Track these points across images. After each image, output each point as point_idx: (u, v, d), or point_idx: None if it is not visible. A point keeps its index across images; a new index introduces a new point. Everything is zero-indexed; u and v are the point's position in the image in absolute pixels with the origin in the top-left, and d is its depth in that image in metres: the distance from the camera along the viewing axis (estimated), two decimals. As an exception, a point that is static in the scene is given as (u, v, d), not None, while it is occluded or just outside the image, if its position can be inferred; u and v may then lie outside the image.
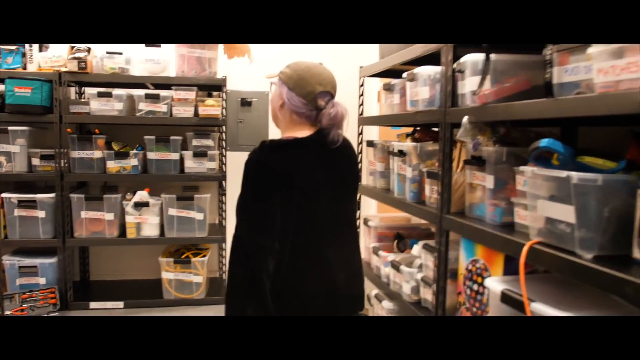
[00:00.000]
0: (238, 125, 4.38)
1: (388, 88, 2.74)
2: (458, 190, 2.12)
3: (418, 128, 2.72)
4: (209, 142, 3.89)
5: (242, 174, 1.59)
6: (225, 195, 4.18)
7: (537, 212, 1.49)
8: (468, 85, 1.86)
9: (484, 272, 1.83)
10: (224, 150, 4.06)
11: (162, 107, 3.76)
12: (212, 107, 3.79)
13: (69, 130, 3.74)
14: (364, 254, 3.29)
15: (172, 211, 3.82)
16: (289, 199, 1.53)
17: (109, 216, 3.75)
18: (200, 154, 3.83)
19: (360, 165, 3.36)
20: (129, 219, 3.78)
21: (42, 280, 3.70)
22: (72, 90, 4.23)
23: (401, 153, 2.48)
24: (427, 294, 2.28)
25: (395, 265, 2.53)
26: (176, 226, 3.84)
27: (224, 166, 3.98)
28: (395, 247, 2.93)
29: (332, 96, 1.64)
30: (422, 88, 2.23)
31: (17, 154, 3.68)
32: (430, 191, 2.26)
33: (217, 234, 3.99)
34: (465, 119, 1.85)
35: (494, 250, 1.77)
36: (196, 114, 3.79)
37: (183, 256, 3.91)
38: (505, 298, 1.50)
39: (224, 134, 4.06)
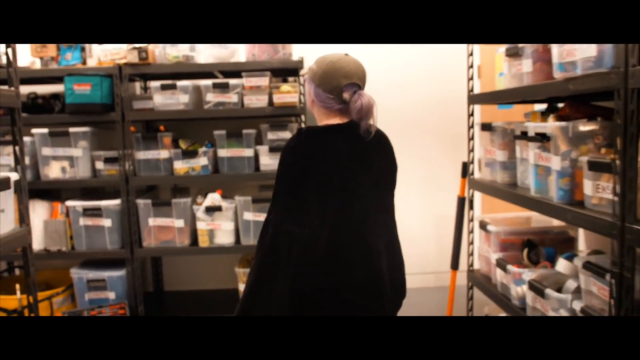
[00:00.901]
0: (317, 114, 3.85)
1: (514, 53, 2.09)
2: (643, 186, 1.47)
3: (559, 104, 2.07)
4: (286, 135, 3.40)
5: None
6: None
7: None
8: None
9: None
10: (303, 143, 3.56)
11: (232, 97, 3.31)
12: (288, 93, 3.29)
13: (132, 128, 3.37)
14: (481, 265, 2.67)
15: (248, 215, 3.37)
16: (324, 184, 1.55)
17: (179, 223, 3.36)
18: (276, 148, 3.34)
19: (472, 154, 2.71)
20: (201, 225, 3.36)
21: (111, 295, 3.38)
22: (137, 85, 3.90)
23: (543, 137, 1.84)
24: (594, 333, 1.64)
25: (536, 287, 1.90)
26: (253, 232, 3.38)
27: (304, 162, 3.48)
28: (525, 257, 2.29)
29: (360, 87, 1.63)
30: (581, 44, 1.58)
31: (80, 158, 3.36)
32: (594, 189, 1.62)
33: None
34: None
35: None
36: (270, 102, 3.32)
37: (262, 265, 3.45)
38: None
39: (302, 125, 3.55)
